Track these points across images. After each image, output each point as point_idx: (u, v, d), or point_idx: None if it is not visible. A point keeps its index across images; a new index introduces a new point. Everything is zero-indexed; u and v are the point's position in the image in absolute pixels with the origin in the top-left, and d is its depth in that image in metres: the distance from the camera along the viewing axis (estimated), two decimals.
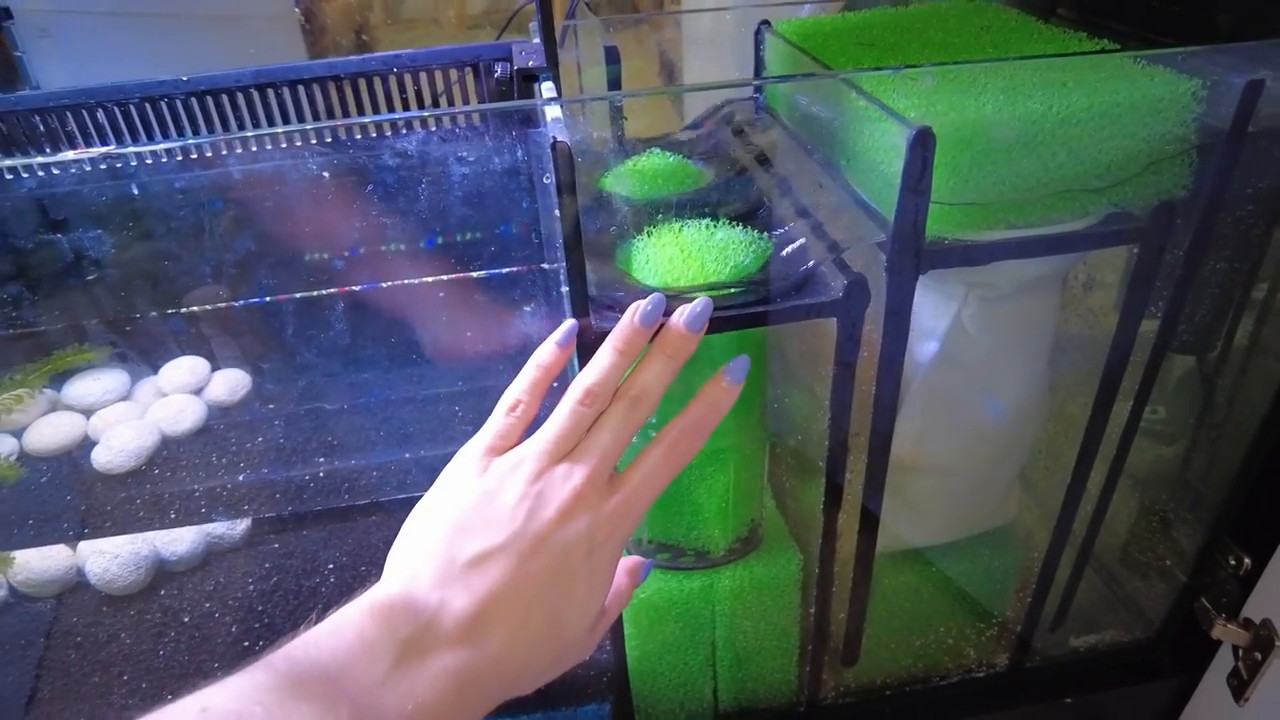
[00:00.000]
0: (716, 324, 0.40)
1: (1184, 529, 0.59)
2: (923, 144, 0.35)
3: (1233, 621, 0.55)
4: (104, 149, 0.31)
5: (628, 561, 0.39)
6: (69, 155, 0.31)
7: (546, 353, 0.36)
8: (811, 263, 0.41)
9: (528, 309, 0.44)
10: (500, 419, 0.35)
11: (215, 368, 0.65)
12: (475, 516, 0.31)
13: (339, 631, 0.28)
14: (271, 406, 0.62)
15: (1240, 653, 0.56)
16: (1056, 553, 0.53)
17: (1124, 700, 0.62)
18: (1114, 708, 0.62)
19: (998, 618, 0.59)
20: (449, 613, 0.29)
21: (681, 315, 0.36)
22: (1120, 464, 0.51)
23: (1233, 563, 0.56)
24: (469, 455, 0.34)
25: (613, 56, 0.56)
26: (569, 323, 0.37)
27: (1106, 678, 0.61)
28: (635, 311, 0.36)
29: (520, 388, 0.36)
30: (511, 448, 0.34)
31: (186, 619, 0.55)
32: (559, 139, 0.33)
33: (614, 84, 0.57)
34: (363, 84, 0.56)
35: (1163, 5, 0.54)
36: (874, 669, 0.58)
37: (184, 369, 0.62)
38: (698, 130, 0.59)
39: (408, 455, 0.56)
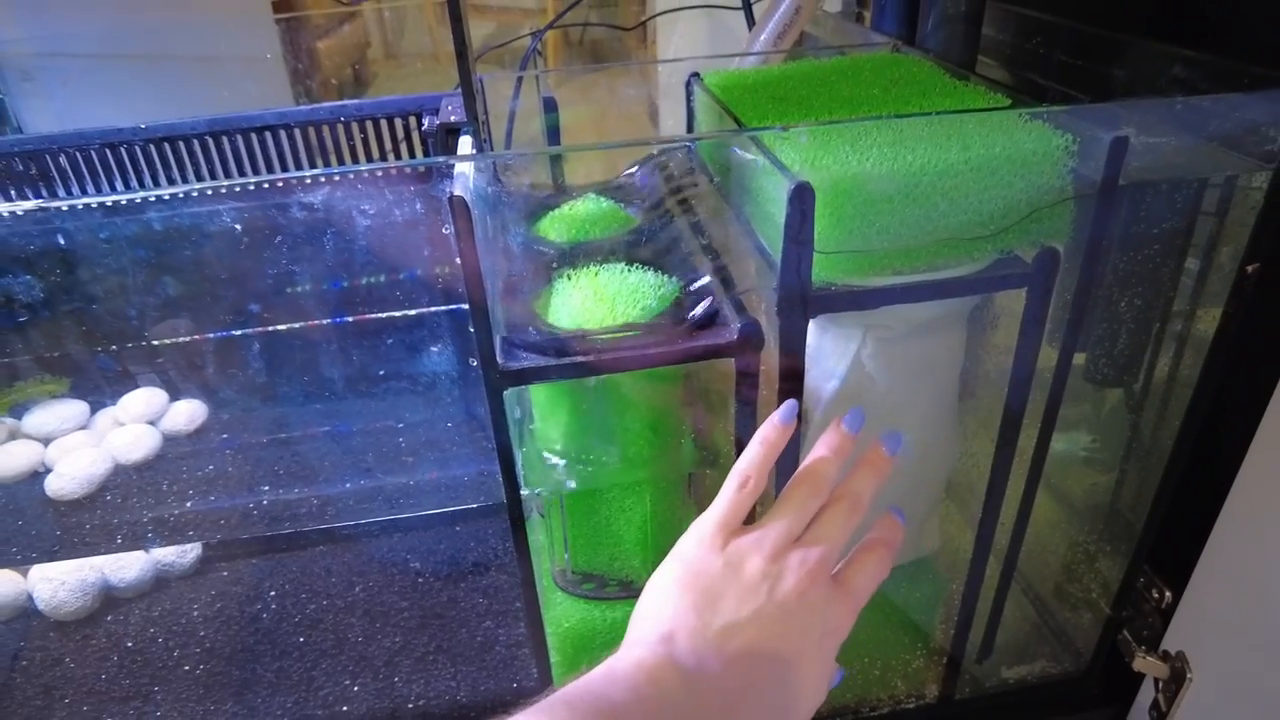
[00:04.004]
0: (623, 363, 0.42)
1: (1110, 560, 0.60)
2: (801, 197, 0.37)
3: (1152, 654, 0.57)
4: (36, 202, 0.34)
5: None
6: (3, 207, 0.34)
7: (771, 430, 0.38)
8: (713, 305, 0.44)
9: (448, 346, 0.46)
10: (731, 494, 0.37)
11: (174, 398, 0.67)
12: (723, 586, 0.33)
13: (615, 683, 0.30)
14: (225, 436, 0.64)
15: (1160, 685, 0.57)
16: (975, 583, 0.55)
17: None
18: None
19: (924, 649, 0.60)
20: (706, 677, 0.31)
21: (882, 439, 0.39)
22: (1030, 497, 0.52)
23: (1155, 595, 0.57)
24: (705, 529, 0.36)
25: (550, 107, 0.59)
26: (790, 402, 0.39)
27: (1037, 709, 0.62)
28: (841, 422, 0.39)
29: (748, 462, 0.38)
30: (743, 522, 0.37)
31: (130, 644, 0.57)
32: (456, 193, 0.36)
33: (552, 131, 0.60)
34: (312, 132, 0.59)
35: (1071, 61, 0.57)
36: None
37: (141, 400, 0.64)
38: (634, 176, 0.62)
39: (350, 485, 0.58)
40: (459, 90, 0.51)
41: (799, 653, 0.33)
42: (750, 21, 0.79)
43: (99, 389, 0.68)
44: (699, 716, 0.30)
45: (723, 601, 0.33)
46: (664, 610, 0.33)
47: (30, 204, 0.33)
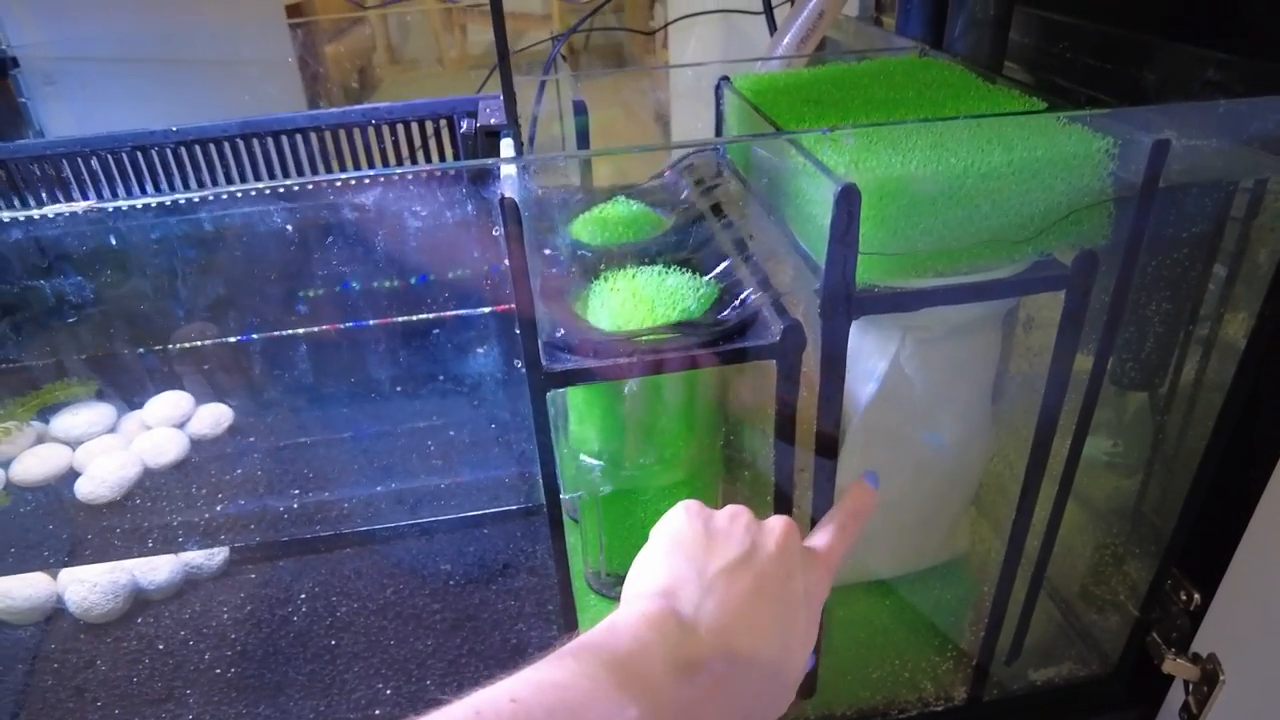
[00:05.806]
0: (666, 364, 0.42)
1: (1137, 563, 0.61)
2: (847, 199, 0.38)
3: (1182, 656, 0.57)
4: (87, 203, 0.34)
5: None
6: (50, 210, 0.34)
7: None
8: (753, 307, 0.44)
9: (481, 349, 0.46)
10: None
11: (199, 402, 0.67)
12: (710, 541, 0.36)
13: (617, 634, 0.31)
14: (251, 440, 0.64)
15: (1190, 687, 0.57)
16: (1006, 586, 0.55)
17: None
18: None
19: (953, 651, 0.60)
20: (705, 620, 0.32)
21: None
22: (1063, 499, 0.52)
23: (1184, 597, 0.57)
24: (685, 505, 0.38)
25: (580, 110, 0.59)
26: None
27: (1064, 711, 0.62)
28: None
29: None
30: None
31: (161, 646, 0.57)
32: (507, 195, 0.36)
33: (582, 134, 0.60)
34: (343, 134, 0.59)
35: (1098, 64, 0.57)
36: (832, 701, 0.59)
37: (168, 403, 0.64)
38: (662, 180, 0.62)
39: (379, 488, 0.58)
40: (486, 94, 0.51)
41: (791, 598, 0.35)
42: (772, 26, 0.79)
43: (125, 393, 0.68)
44: (702, 656, 0.31)
45: (712, 554, 0.35)
46: (657, 569, 0.35)
47: (81, 205, 0.33)
